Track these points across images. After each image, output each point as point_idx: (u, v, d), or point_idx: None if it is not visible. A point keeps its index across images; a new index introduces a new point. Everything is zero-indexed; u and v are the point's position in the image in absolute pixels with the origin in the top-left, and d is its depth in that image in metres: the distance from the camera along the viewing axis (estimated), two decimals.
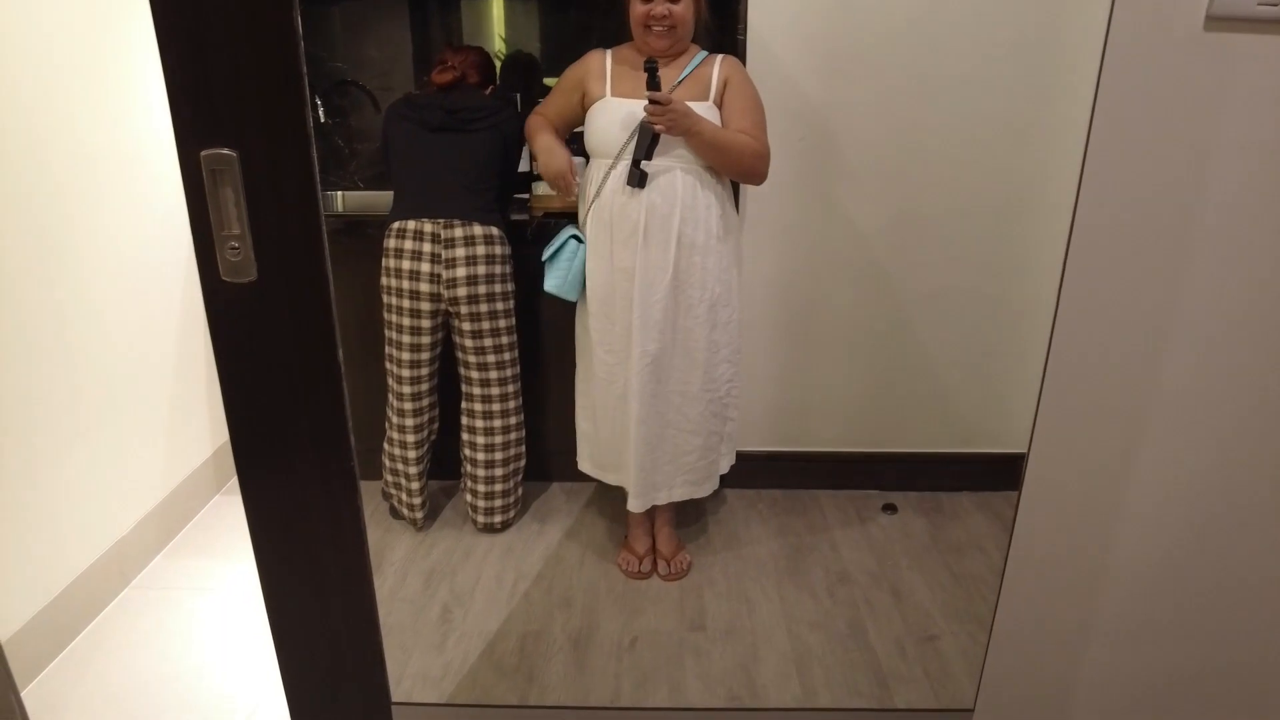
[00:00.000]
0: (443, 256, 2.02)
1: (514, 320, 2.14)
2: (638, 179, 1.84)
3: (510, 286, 2.11)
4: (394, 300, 2.08)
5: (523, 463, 2.31)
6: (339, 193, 2.77)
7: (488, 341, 2.11)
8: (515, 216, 2.29)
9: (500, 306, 2.10)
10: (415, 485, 2.26)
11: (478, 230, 2.02)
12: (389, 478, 2.30)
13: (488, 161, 2.06)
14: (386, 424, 2.27)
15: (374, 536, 2.29)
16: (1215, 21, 0.97)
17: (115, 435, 2.08)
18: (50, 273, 1.84)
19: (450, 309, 2.08)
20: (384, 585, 2.09)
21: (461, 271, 2.02)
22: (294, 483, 1.06)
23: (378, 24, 2.68)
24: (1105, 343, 1.14)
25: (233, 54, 0.88)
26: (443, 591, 2.07)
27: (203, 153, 0.91)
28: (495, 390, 2.18)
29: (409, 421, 2.20)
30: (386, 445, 2.28)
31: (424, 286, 2.05)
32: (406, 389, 2.17)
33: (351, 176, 2.80)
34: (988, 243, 2.28)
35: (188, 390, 2.37)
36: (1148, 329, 1.14)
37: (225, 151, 0.91)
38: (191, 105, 0.91)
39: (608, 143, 1.90)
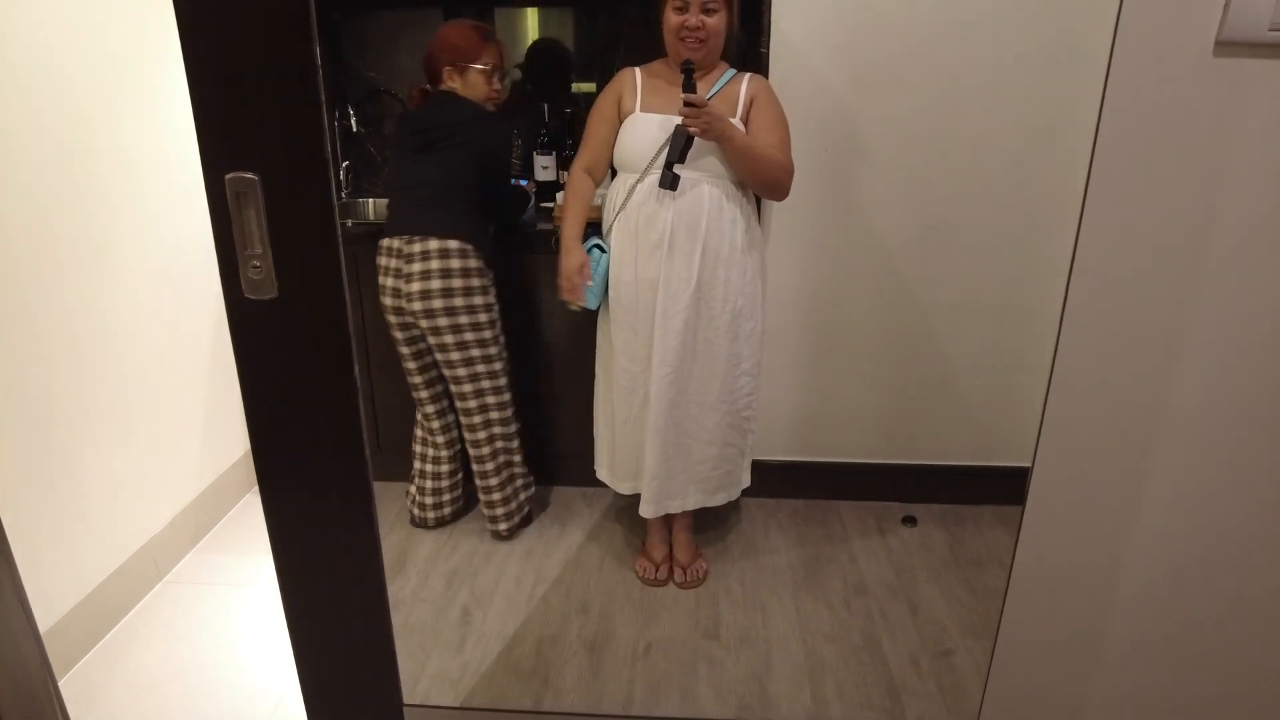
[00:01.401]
0: (402, 271, 2.06)
1: (488, 333, 2.12)
2: (670, 181, 1.85)
3: (478, 300, 2.08)
4: (384, 314, 2.16)
5: (515, 476, 2.30)
6: (370, 200, 2.84)
7: (454, 355, 2.10)
8: (543, 226, 2.33)
9: (464, 320, 2.06)
10: (438, 485, 2.33)
11: (433, 245, 2.02)
12: (416, 481, 2.36)
13: (456, 176, 2.05)
14: (417, 427, 2.33)
15: (399, 536, 2.34)
16: (1225, 46, 0.96)
17: (154, 434, 2.16)
18: (95, 277, 1.92)
19: (413, 321, 2.11)
20: (406, 586, 2.14)
21: (416, 286, 2.04)
22: (312, 491, 1.10)
23: (411, 33, 2.74)
24: (1111, 361, 1.14)
25: (256, 85, 0.92)
26: (463, 593, 2.11)
27: (227, 176, 0.96)
28: (472, 403, 2.17)
29: (434, 425, 2.29)
30: (416, 447, 2.34)
31: (388, 300, 2.12)
32: (422, 393, 2.25)
33: (383, 184, 2.86)
34: (1011, 255, 2.26)
35: (222, 391, 2.45)
36: (1155, 347, 1.13)
37: (248, 175, 0.95)
38: (217, 131, 0.95)
39: (637, 156, 1.93)
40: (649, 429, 2.01)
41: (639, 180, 1.94)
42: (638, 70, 2.01)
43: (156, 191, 2.13)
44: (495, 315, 2.14)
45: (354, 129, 2.77)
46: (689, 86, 1.79)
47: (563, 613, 2.04)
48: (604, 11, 2.63)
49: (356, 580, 1.14)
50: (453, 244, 2.03)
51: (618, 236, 2.00)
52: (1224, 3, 0.95)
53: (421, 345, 2.17)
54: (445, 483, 2.34)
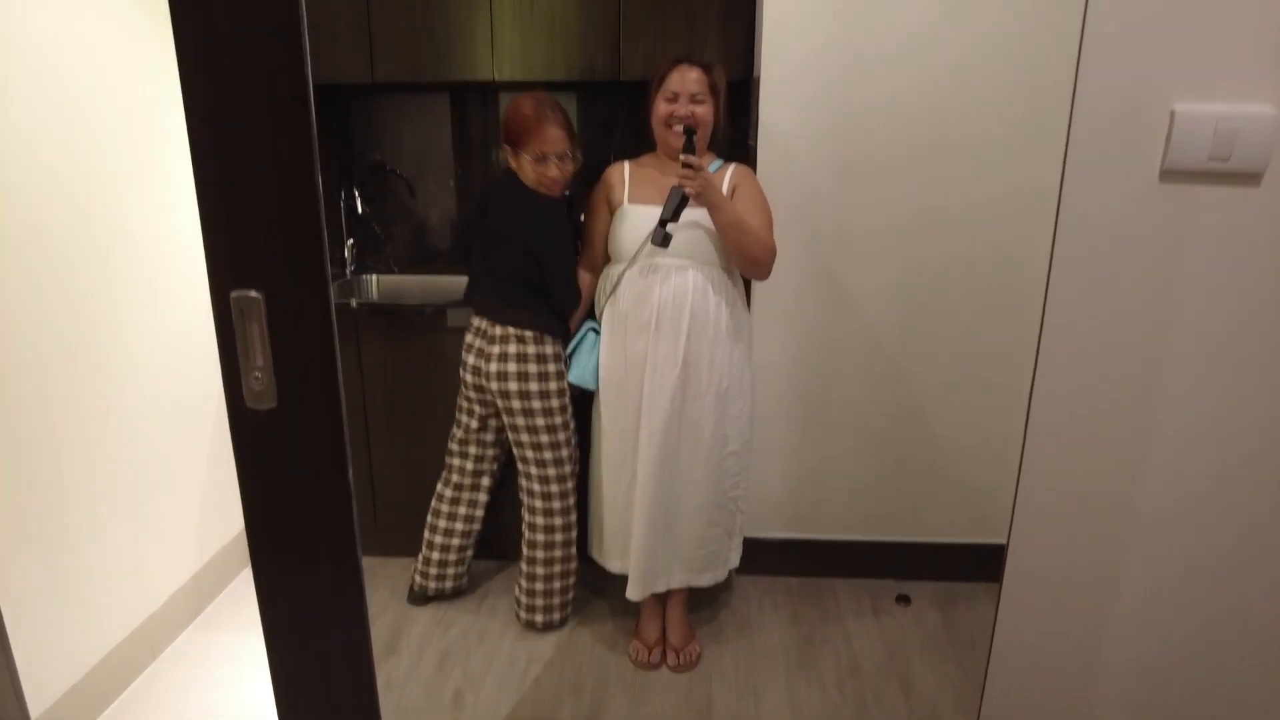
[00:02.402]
0: (484, 351, 2.11)
1: (559, 418, 2.13)
2: (661, 238, 1.89)
3: (553, 385, 2.10)
4: (462, 383, 2.20)
5: (566, 572, 2.25)
6: (374, 276, 2.92)
7: (524, 437, 2.14)
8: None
9: (537, 405, 2.09)
10: (444, 557, 2.34)
11: (511, 332, 2.07)
12: (423, 551, 2.37)
13: (517, 268, 2.06)
14: (436, 499, 2.35)
15: (394, 614, 2.35)
16: (1170, 174, 1.03)
17: (154, 512, 2.19)
18: (100, 358, 1.97)
19: (491, 399, 2.15)
20: (399, 666, 2.14)
21: (494, 367, 2.09)
22: (306, 589, 1.14)
23: (416, 116, 2.85)
24: (1076, 466, 1.18)
25: (262, 209, 0.99)
26: (455, 675, 2.11)
27: (233, 294, 1.02)
28: (536, 486, 2.20)
29: (464, 494, 2.31)
30: (431, 518, 2.36)
31: (469, 376, 2.17)
32: (470, 452, 2.27)
33: (387, 260, 2.94)
34: (996, 333, 2.31)
35: (222, 466, 2.49)
36: (1121, 451, 1.17)
37: (252, 293, 1.01)
38: (224, 252, 1.01)
39: (625, 246, 2.01)
40: (636, 508, 2.04)
41: (628, 267, 2.01)
42: (626, 164, 2.10)
43: (163, 279, 2.21)
44: (567, 403, 2.15)
45: (359, 209, 2.86)
46: (689, 148, 1.84)
47: (555, 695, 2.04)
48: (603, 99, 2.74)
49: (348, 676, 1.16)
50: (528, 333, 2.06)
51: (608, 319, 2.06)
52: (1166, 135, 1.01)
53: (489, 418, 2.21)
54: (453, 555, 2.35)
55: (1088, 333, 1.10)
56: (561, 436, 2.15)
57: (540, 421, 2.12)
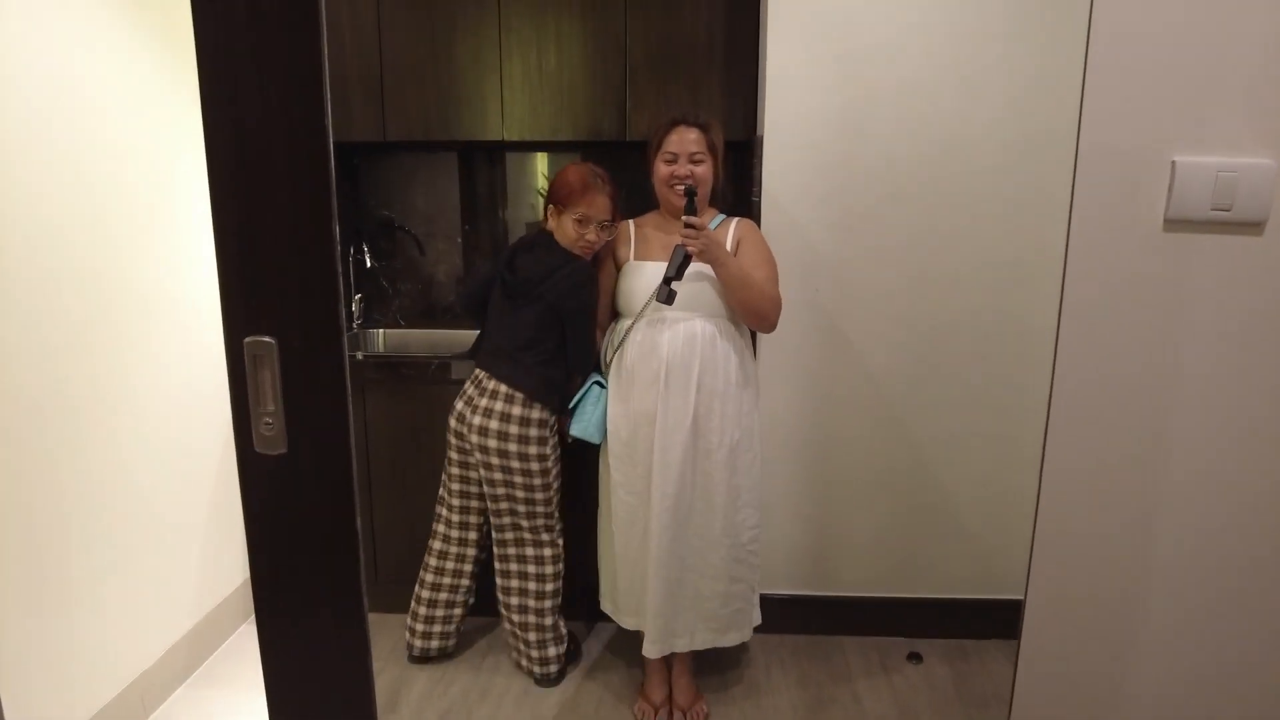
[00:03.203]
0: (473, 401, 2.12)
1: (537, 480, 2.11)
2: (666, 295, 1.91)
3: (533, 450, 2.08)
4: (448, 430, 2.20)
5: (531, 630, 2.21)
6: (380, 331, 2.93)
7: (500, 490, 2.12)
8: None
9: (516, 465, 2.08)
10: (431, 614, 2.30)
11: (502, 389, 2.07)
12: (413, 606, 2.32)
13: (532, 328, 2.06)
14: (426, 553, 2.32)
15: (394, 673, 2.30)
16: (1173, 224, 1.04)
17: (152, 565, 2.16)
18: (104, 406, 1.97)
19: (469, 448, 2.14)
20: None
21: (477, 420, 2.08)
22: (310, 640, 1.12)
23: (425, 174, 2.91)
24: (1091, 518, 1.17)
25: (278, 256, 1.00)
26: None
27: (246, 339, 1.02)
28: (510, 550, 2.18)
29: (451, 549, 2.28)
30: (421, 572, 2.32)
31: (453, 421, 2.17)
32: (454, 506, 2.25)
33: (394, 315, 2.97)
34: (1001, 385, 2.32)
35: (221, 522, 2.46)
36: (1133, 498, 1.16)
37: (266, 339, 1.02)
38: (240, 297, 1.02)
39: (632, 301, 2.03)
40: (650, 564, 2.01)
41: (635, 321, 2.02)
42: (631, 222, 2.14)
43: (165, 329, 2.22)
44: (549, 466, 2.13)
45: (367, 264, 2.90)
46: (690, 209, 1.88)
47: None
48: (608, 158, 2.80)
49: None
50: (518, 394, 2.06)
51: (614, 373, 2.07)
52: (1168, 185, 1.03)
53: (471, 466, 2.19)
54: (440, 613, 2.30)
55: (1098, 380, 1.10)
56: (539, 496, 2.13)
57: (517, 479, 2.10)
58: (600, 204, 2.04)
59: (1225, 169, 1.04)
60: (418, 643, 2.32)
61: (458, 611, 2.33)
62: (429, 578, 2.30)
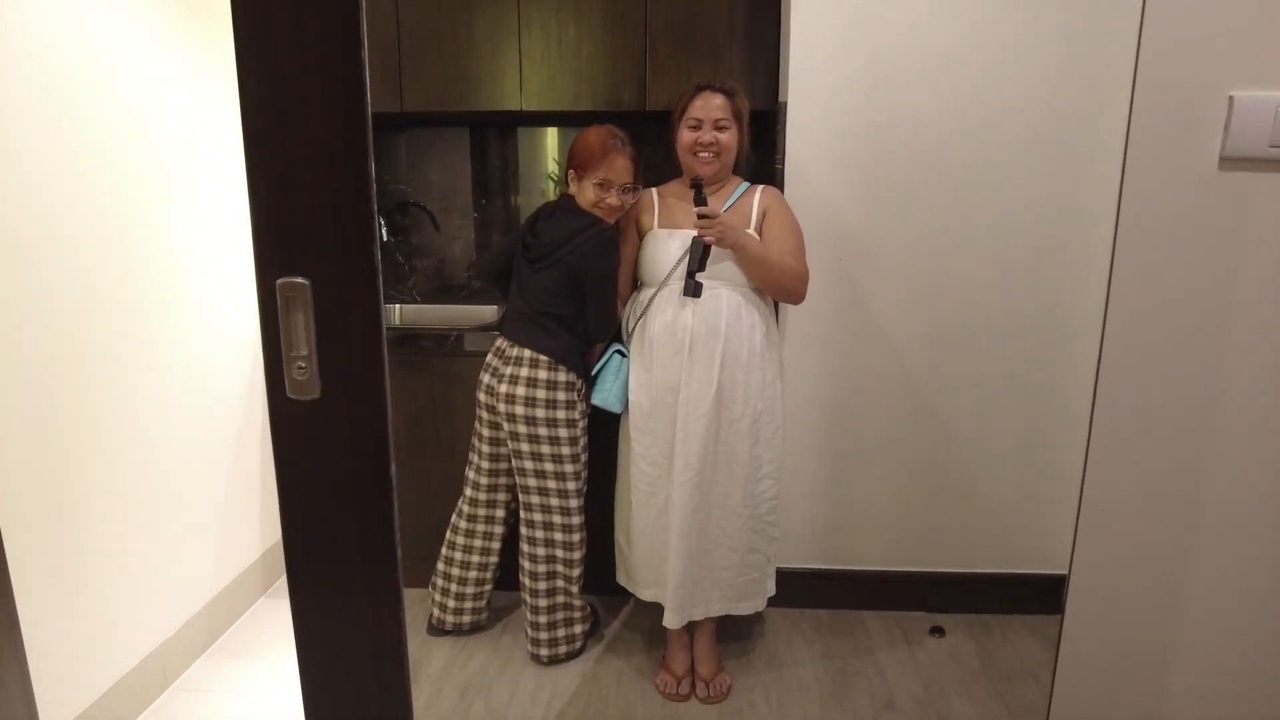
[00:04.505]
0: (499, 371, 2.09)
1: (566, 449, 2.08)
2: (693, 289, 1.90)
3: (561, 414, 2.05)
4: (476, 405, 2.18)
5: (568, 606, 2.18)
6: (397, 306, 2.91)
7: (527, 464, 2.09)
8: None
9: (543, 432, 2.05)
10: (462, 590, 2.28)
11: (526, 354, 2.05)
12: (439, 581, 2.31)
13: (553, 292, 2.04)
14: (450, 529, 2.30)
15: (414, 644, 2.29)
16: (1229, 162, 1.01)
17: (174, 537, 2.15)
18: (128, 381, 1.96)
19: (498, 421, 2.12)
20: (419, 697, 2.07)
21: (504, 388, 2.06)
22: (341, 591, 1.10)
23: (440, 149, 2.89)
24: (1142, 470, 1.14)
25: (312, 195, 0.98)
26: (478, 706, 2.04)
27: (279, 281, 1.00)
28: (537, 516, 2.14)
29: (478, 527, 2.26)
30: (445, 549, 2.30)
31: (482, 395, 2.15)
32: (483, 484, 2.22)
33: (410, 290, 2.95)
34: (1028, 358, 2.29)
35: (243, 494, 2.45)
36: (1186, 454, 1.13)
37: (299, 280, 1.00)
38: (272, 239, 1.00)
39: (656, 269, 2.00)
40: (672, 535, 1.99)
41: (658, 290, 2.00)
42: (654, 190, 2.11)
43: (189, 300, 2.21)
44: (577, 434, 2.10)
45: (384, 239, 2.88)
46: (699, 200, 1.88)
47: None
48: (628, 128, 2.76)
49: (381, 683, 1.12)
50: (543, 358, 2.04)
51: (637, 342, 2.04)
52: (1224, 123, 1.00)
53: (501, 440, 2.16)
54: (470, 589, 2.29)
55: (1151, 325, 1.08)
56: (569, 468, 2.10)
57: (545, 449, 2.07)
58: (621, 166, 2.00)
59: None
60: (449, 618, 2.30)
61: (488, 587, 2.32)
62: (458, 555, 2.27)
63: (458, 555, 2.27)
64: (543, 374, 2.04)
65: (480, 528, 2.26)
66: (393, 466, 1.05)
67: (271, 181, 0.99)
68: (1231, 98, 1.01)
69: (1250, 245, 1.03)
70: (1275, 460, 1.13)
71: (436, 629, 2.33)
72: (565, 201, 2.09)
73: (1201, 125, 1.01)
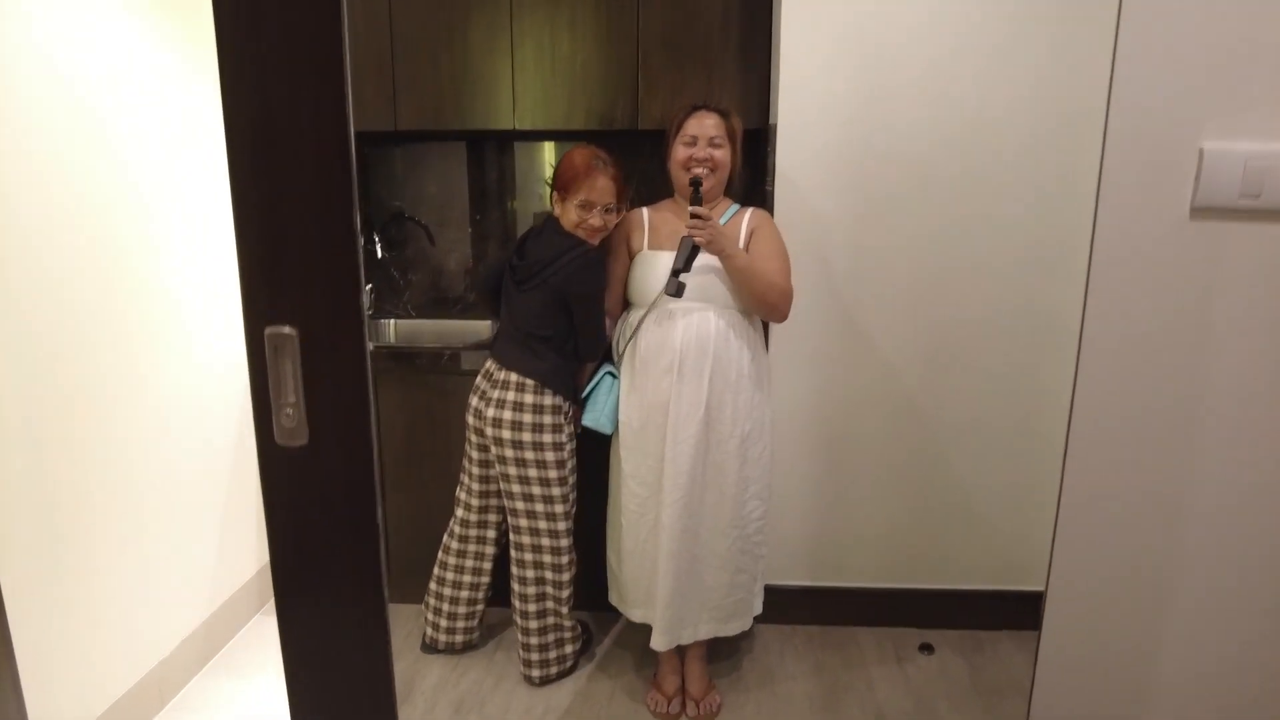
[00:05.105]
0: (487, 395, 2.11)
1: (553, 473, 2.08)
2: (675, 288, 1.90)
3: (548, 438, 2.06)
4: (466, 426, 2.19)
5: (559, 628, 2.19)
6: (391, 321, 2.93)
7: (515, 487, 2.10)
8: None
9: (530, 455, 2.06)
10: (454, 610, 2.30)
11: (513, 378, 2.05)
12: (431, 601, 2.33)
13: (540, 314, 2.05)
14: (442, 549, 2.32)
15: (407, 661, 2.31)
16: (1200, 212, 1.03)
17: (169, 554, 2.16)
18: (126, 396, 1.98)
19: (486, 443, 2.13)
20: (413, 715, 2.10)
21: (491, 412, 2.07)
22: (330, 633, 1.12)
23: (436, 164, 2.90)
24: (1114, 512, 1.16)
25: (299, 246, 1.00)
26: None
27: (267, 330, 1.02)
28: (525, 539, 2.15)
29: (469, 547, 2.28)
30: (437, 569, 2.32)
31: (470, 418, 2.16)
32: (474, 504, 2.24)
33: (405, 305, 2.97)
34: (1018, 375, 2.31)
35: (236, 513, 2.47)
36: (1159, 486, 1.15)
37: (286, 330, 1.01)
38: (261, 289, 1.02)
39: (647, 290, 2.02)
40: (661, 555, 2.01)
41: (648, 310, 2.01)
42: (645, 210, 2.13)
43: (189, 320, 2.22)
44: (564, 457, 2.10)
45: (378, 254, 2.90)
46: (696, 200, 1.89)
47: None
48: (620, 147, 2.78)
49: (370, 715, 1.14)
50: (529, 382, 2.04)
51: (628, 362, 2.06)
52: (1195, 173, 1.02)
53: (491, 462, 2.17)
54: (462, 609, 2.30)
55: (1123, 369, 1.09)
56: (556, 491, 2.10)
57: (532, 473, 2.07)
58: (603, 187, 2.00)
59: (1254, 156, 1.03)
60: (441, 637, 2.32)
61: (480, 607, 2.33)
62: (449, 575, 2.29)
63: (449, 575, 2.29)
64: (529, 398, 2.05)
65: (471, 548, 2.28)
66: (379, 510, 1.07)
67: (258, 232, 1.01)
68: (1202, 150, 1.03)
69: (1222, 292, 1.05)
70: (1246, 495, 1.15)
71: (430, 647, 2.35)
72: (550, 223, 2.10)
73: (1173, 176, 1.03)
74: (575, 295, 2.02)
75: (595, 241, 2.06)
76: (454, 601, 2.30)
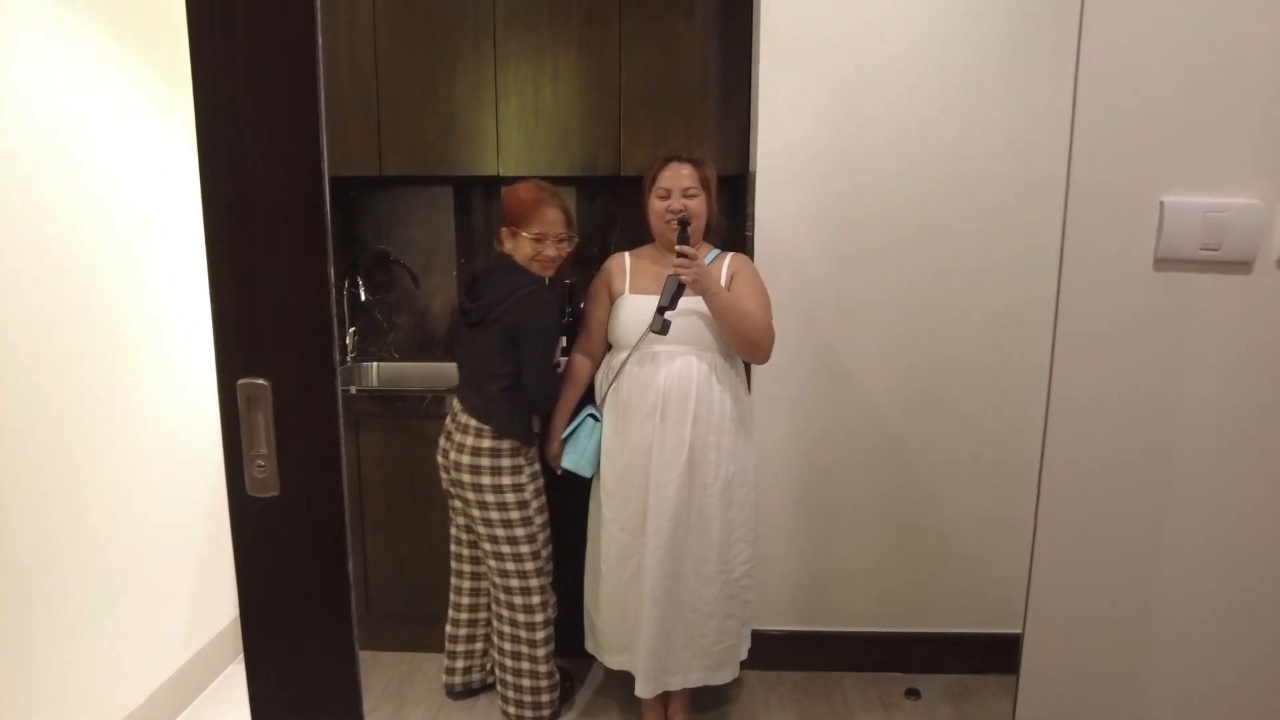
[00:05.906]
0: (452, 436, 2.10)
1: (515, 514, 2.06)
2: (661, 325, 1.90)
3: (507, 481, 2.04)
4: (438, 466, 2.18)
5: (534, 674, 2.15)
6: (375, 364, 2.93)
7: (481, 529, 2.09)
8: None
9: (490, 499, 2.04)
10: (453, 649, 2.31)
11: (472, 422, 2.04)
12: (447, 645, 2.33)
13: (492, 356, 2.02)
14: (453, 590, 2.32)
15: (385, 712, 2.27)
16: (1164, 263, 1.05)
17: (142, 603, 2.12)
18: (98, 446, 1.96)
19: (451, 484, 2.13)
20: None
21: (452, 456, 2.07)
22: (300, 687, 1.10)
23: (421, 208, 2.92)
24: (1087, 560, 1.16)
25: (273, 299, 1.00)
26: None
27: (239, 381, 1.02)
28: (496, 579, 2.13)
29: (464, 584, 2.28)
30: (450, 610, 2.32)
31: (439, 457, 2.15)
32: (464, 552, 2.25)
33: (389, 348, 2.97)
34: (1001, 419, 2.32)
35: (209, 564, 2.43)
36: (1132, 538, 1.16)
37: (259, 381, 1.01)
38: (234, 340, 1.02)
39: (626, 334, 2.03)
40: (645, 601, 1.99)
41: (630, 353, 2.02)
42: (626, 255, 2.15)
43: (161, 365, 2.22)
44: (526, 498, 2.07)
45: (362, 297, 2.90)
46: (683, 239, 1.91)
47: None
48: (603, 192, 2.82)
49: None
50: (486, 428, 2.03)
51: (610, 406, 2.06)
52: (1157, 225, 1.04)
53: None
54: (461, 647, 2.30)
55: (1091, 417, 1.11)
56: (520, 532, 2.07)
57: (494, 515, 2.05)
58: (553, 217, 2.01)
59: (1213, 209, 1.05)
60: (458, 679, 2.33)
61: (478, 645, 2.34)
62: (463, 616, 2.29)
63: (463, 616, 2.30)
64: (486, 443, 2.03)
65: (467, 584, 2.27)
66: (349, 561, 1.06)
67: (232, 285, 1.01)
68: (1162, 203, 1.05)
69: (1189, 341, 1.07)
70: (1217, 538, 1.16)
71: (449, 690, 2.34)
72: (503, 261, 2.07)
73: (1136, 228, 1.05)
74: (524, 330, 1.99)
75: (550, 273, 2.06)
76: (470, 640, 2.31)
